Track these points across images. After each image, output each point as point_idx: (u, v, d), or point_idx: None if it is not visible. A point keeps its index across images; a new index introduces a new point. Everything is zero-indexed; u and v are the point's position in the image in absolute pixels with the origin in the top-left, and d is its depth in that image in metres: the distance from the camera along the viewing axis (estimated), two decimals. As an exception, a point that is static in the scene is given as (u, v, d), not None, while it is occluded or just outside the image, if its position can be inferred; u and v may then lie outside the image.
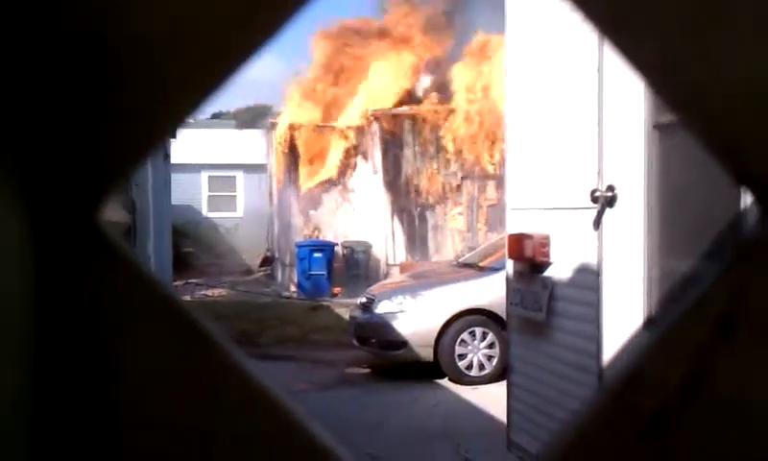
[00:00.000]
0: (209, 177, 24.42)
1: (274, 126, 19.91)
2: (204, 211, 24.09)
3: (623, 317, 3.79)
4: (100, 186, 0.44)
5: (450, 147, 16.73)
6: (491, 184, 16.15)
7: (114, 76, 0.43)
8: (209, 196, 24.65)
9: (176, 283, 14.76)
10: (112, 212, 3.00)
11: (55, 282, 0.41)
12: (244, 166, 24.18)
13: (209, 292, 18.37)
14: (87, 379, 0.42)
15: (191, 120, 27.68)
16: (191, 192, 23.00)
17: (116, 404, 0.42)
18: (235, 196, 24.85)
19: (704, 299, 0.43)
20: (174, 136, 11.03)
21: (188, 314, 0.42)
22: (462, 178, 16.87)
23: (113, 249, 0.42)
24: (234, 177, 24.73)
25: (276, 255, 20.63)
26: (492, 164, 15.80)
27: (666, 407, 0.41)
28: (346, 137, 17.48)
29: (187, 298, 16.67)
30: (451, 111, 16.72)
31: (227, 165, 24.26)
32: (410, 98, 17.41)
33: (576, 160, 4.16)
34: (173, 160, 13.08)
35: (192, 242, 21.98)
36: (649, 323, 3.62)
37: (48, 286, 0.41)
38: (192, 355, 0.41)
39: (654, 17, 0.41)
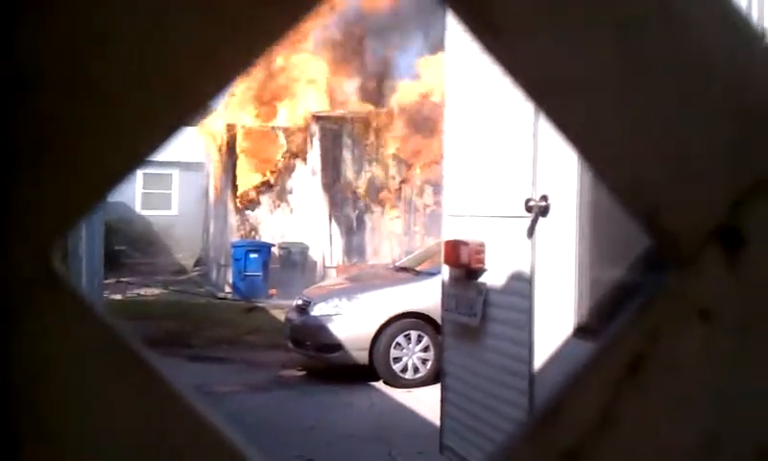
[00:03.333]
0: (144, 174, 23.95)
1: (209, 126, 19.66)
2: (138, 209, 23.61)
3: (554, 324, 3.88)
4: (52, 228, 0.44)
5: (390, 151, 16.82)
6: (429, 189, 16.30)
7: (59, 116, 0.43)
8: (144, 193, 24.18)
9: (107, 281, 14.42)
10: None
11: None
12: (180, 164, 23.80)
13: (142, 291, 18.01)
14: (24, 410, 0.42)
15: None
16: (125, 189, 22.48)
17: (54, 436, 0.42)
18: (170, 194, 24.44)
19: (617, 339, 0.46)
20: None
21: (136, 350, 0.43)
22: (400, 182, 16.98)
23: (61, 283, 0.43)
24: (170, 175, 24.31)
25: (212, 255, 20.37)
26: (430, 169, 15.95)
27: (578, 446, 0.44)
28: (285, 138, 17.39)
29: (119, 297, 16.31)
30: (391, 115, 16.82)
31: (162, 162, 23.84)
32: (350, 101, 17.44)
33: (512, 170, 4.25)
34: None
35: (125, 240, 21.51)
36: (579, 330, 3.72)
37: None
38: (137, 390, 0.42)
39: (580, 80, 0.44)
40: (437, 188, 12.51)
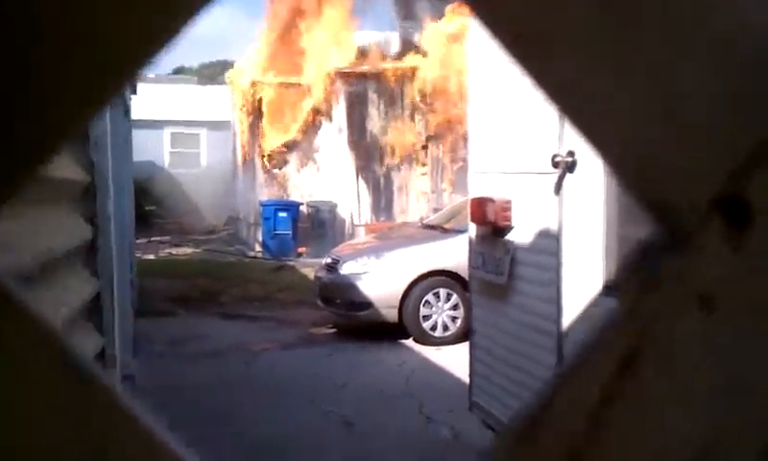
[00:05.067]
0: (172, 134, 24.05)
1: (236, 83, 19.60)
2: (167, 169, 23.76)
3: (582, 281, 3.85)
4: None
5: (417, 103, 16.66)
6: (458, 145, 16.16)
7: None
8: (171, 153, 24.32)
9: (138, 241, 14.60)
10: (68, 170, 2.95)
11: None
12: (207, 123, 23.85)
13: (173, 250, 18.22)
14: None
15: (151, 75, 27.10)
16: (153, 149, 22.64)
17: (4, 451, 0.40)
18: (198, 153, 24.55)
19: (608, 332, 0.43)
20: (134, 92, 10.83)
21: (93, 374, 0.41)
22: (427, 138, 16.86)
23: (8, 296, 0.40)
24: (198, 134, 24.40)
25: (241, 214, 20.50)
26: (460, 125, 15.79)
27: (566, 453, 0.41)
28: (310, 95, 17.30)
29: (151, 256, 16.53)
30: (416, 69, 16.61)
31: (190, 122, 23.91)
32: (374, 54, 17.24)
33: (537, 125, 4.18)
34: (134, 116, 12.87)
35: (154, 200, 21.71)
36: (607, 288, 3.69)
37: None
38: (82, 401, 0.40)
39: (562, 32, 0.41)
40: (464, 144, 12.41)
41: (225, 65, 28.93)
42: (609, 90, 0.41)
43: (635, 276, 0.43)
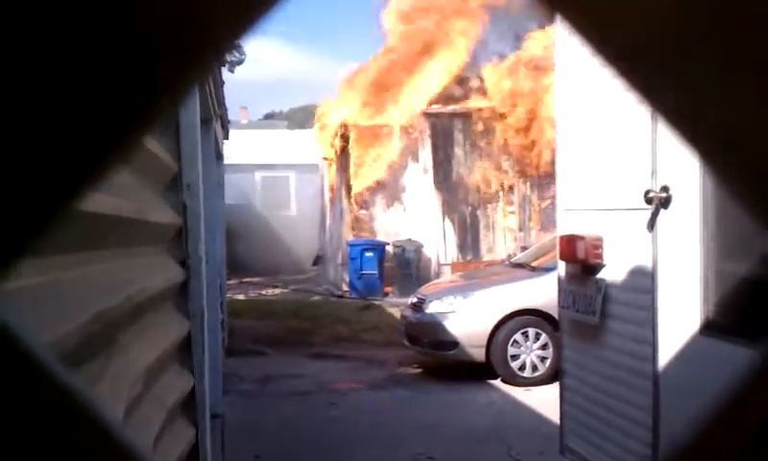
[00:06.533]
0: (263, 177, 24.69)
1: (324, 126, 20.01)
2: (258, 211, 24.36)
3: (679, 320, 3.68)
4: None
5: (502, 145, 16.57)
6: (544, 183, 15.94)
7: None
8: (262, 195, 24.93)
9: (230, 282, 14.95)
10: (161, 214, 3.04)
11: None
12: (296, 166, 24.38)
13: (264, 291, 18.58)
14: None
15: (244, 121, 27.90)
16: (245, 192, 23.28)
17: None
18: (288, 195, 25.08)
19: (744, 399, 0.38)
20: (227, 137, 11.20)
21: (91, 409, 0.39)
22: (514, 176, 16.71)
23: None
24: (287, 176, 24.96)
25: (329, 254, 20.76)
26: (546, 163, 15.59)
27: None
28: (396, 136, 17.47)
29: (241, 297, 16.90)
30: (502, 115, 16.55)
31: (280, 165, 24.49)
32: (458, 95, 17.27)
33: (629, 160, 4.07)
34: (226, 161, 13.29)
35: (246, 242, 22.25)
36: (706, 327, 3.51)
37: None
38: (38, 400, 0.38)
39: (673, 56, 0.37)
40: (552, 182, 12.23)
41: (313, 109, 29.64)
42: (726, 121, 0.37)
43: None
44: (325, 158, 20.14)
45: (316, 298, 17.15)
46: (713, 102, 0.37)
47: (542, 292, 8.26)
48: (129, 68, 0.38)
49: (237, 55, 8.53)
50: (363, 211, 17.94)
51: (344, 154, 18.29)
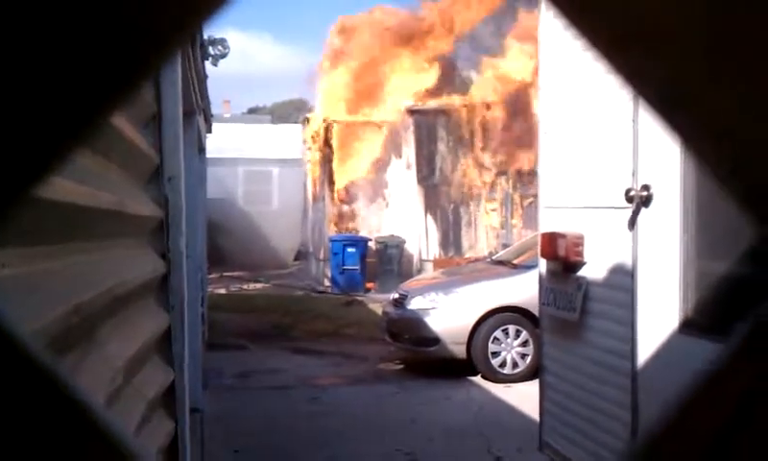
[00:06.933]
0: (245, 171, 24.58)
1: (307, 121, 19.97)
2: (240, 205, 24.25)
3: (658, 319, 3.72)
4: None
5: (485, 143, 16.62)
6: (526, 181, 16.01)
7: None
8: (245, 190, 24.83)
9: (210, 276, 14.89)
10: (143, 206, 3.02)
11: None
12: (279, 161, 24.30)
13: (245, 285, 18.52)
14: None
15: (227, 114, 27.75)
16: (227, 186, 23.17)
17: None
18: (271, 190, 24.99)
19: (720, 378, 0.38)
20: (209, 131, 11.14)
21: (76, 396, 0.39)
22: (496, 174, 16.76)
23: None
24: (270, 171, 24.86)
25: (310, 250, 20.72)
26: (529, 160, 15.66)
27: None
28: (380, 132, 17.47)
29: (222, 291, 16.83)
30: (487, 106, 16.60)
31: (262, 160, 24.40)
32: (443, 91, 17.30)
33: (611, 159, 4.10)
34: (208, 155, 13.21)
35: (227, 236, 22.16)
36: (685, 326, 3.55)
37: None
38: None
39: (661, 40, 0.37)
40: (534, 179, 12.28)
41: (298, 104, 29.53)
42: (715, 105, 0.37)
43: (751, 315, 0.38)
44: (309, 152, 20.10)
45: (297, 293, 17.13)
46: (699, 90, 0.37)
47: (523, 289, 8.30)
48: (94, 47, 0.37)
49: (221, 49, 8.48)
50: (345, 207, 17.92)
51: (327, 149, 18.26)
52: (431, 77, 17.18)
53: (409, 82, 17.16)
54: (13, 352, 0.37)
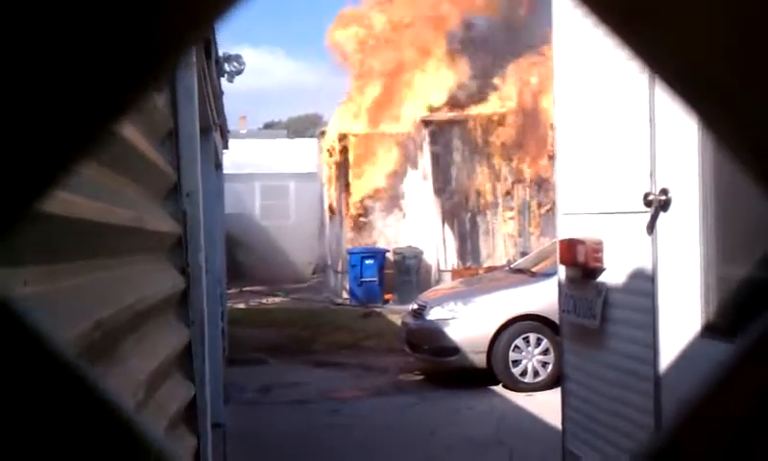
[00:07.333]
0: (262, 186, 24.69)
1: (323, 134, 20.05)
2: (258, 220, 24.35)
3: (680, 323, 3.68)
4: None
5: (500, 151, 16.59)
6: (543, 188, 15.96)
7: None
8: (262, 204, 24.93)
9: (230, 291, 14.94)
10: (161, 223, 3.04)
11: None
12: (296, 175, 24.40)
13: (264, 300, 18.57)
14: None
15: (243, 130, 27.89)
16: (244, 201, 23.28)
17: None
18: (288, 204, 25.07)
19: (735, 377, 0.38)
20: (226, 147, 11.20)
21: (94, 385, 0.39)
22: (513, 182, 16.72)
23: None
24: (287, 185, 24.96)
25: (329, 262, 20.75)
26: (546, 168, 15.60)
27: None
28: (395, 144, 17.50)
29: (242, 305, 16.88)
30: (502, 115, 16.58)
31: (279, 174, 24.50)
32: (458, 102, 17.29)
33: (628, 163, 4.07)
34: (225, 170, 13.28)
35: (246, 251, 22.25)
36: (707, 329, 3.51)
37: None
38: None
39: (672, 13, 0.36)
40: (551, 186, 12.21)
41: (313, 119, 29.66)
42: (726, 77, 0.36)
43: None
44: (325, 166, 20.16)
45: (316, 306, 17.14)
46: (715, 64, 0.37)
47: (543, 297, 8.26)
48: (101, 52, 0.36)
49: (236, 65, 8.55)
50: (363, 219, 17.94)
51: (343, 162, 18.31)
52: (448, 83, 17.10)
53: (429, 89, 17.12)
54: (50, 359, 0.38)
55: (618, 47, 0.39)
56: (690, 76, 0.37)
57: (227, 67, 8.32)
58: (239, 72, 8.65)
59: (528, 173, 16.45)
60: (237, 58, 8.59)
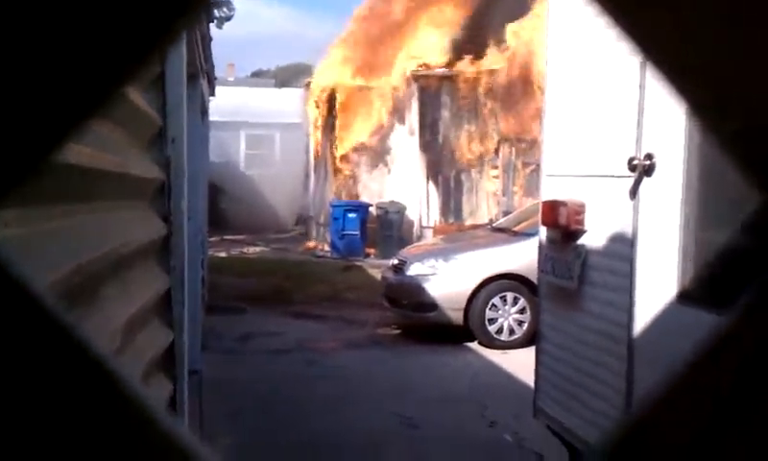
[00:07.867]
0: (247, 135, 24.50)
1: (309, 86, 19.84)
2: (242, 169, 24.22)
3: (656, 288, 3.73)
4: None
5: (488, 110, 16.52)
6: (529, 148, 15.94)
7: None
8: (247, 154, 24.77)
9: (211, 239, 14.92)
10: (145, 168, 3.02)
11: None
12: (282, 125, 24.20)
13: (245, 249, 18.56)
14: None
15: (230, 78, 27.48)
16: (229, 150, 23.11)
17: None
18: (273, 154, 24.93)
19: (724, 342, 0.38)
20: (213, 94, 11.07)
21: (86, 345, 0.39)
22: (499, 141, 16.70)
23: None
24: (273, 135, 24.78)
25: (311, 214, 20.74)
26: (532, 128, 15.57)
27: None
28: (382, 98, 17.36)
29: (223, 254, 16.87)
30: (491, 72, 16.46)
31: (265, 124, 24.30)
32: (449, 59, 17.13)
33: (615, 127, 4.08)
34: (211, 118, 13.14)
35: (229, 199, 22.16)
36: (682, 296, 3.57)
37: None
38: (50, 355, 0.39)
39: (671, 7, 0.37)
40: (537, 147, 12.21)
41: (301, 68, 29.32)
42: (725, 77, 0.37)
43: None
44: (311, 117, 20.01)
45: (298, 257, 17.17)
46: (708, 55, 0.37)
47: (523, 256, 8.33)
48: (109, 19, 0.36)
49: (226, 11, 8.42)
50: (347, 172, 17.89)
51: (330, 114, 18.17)
52: (444, 40, 16.91)
53: (424, 45, 16.92)
54: (29, 304, 0.38)
55: (615, 36, 0.39)
56: (679, 59, 0.38)
57: (216, 13, 8.19)
58: (228, 18, 8.55)
59: (514, 133, 16.41)
60: (227, 3, 8.46)
